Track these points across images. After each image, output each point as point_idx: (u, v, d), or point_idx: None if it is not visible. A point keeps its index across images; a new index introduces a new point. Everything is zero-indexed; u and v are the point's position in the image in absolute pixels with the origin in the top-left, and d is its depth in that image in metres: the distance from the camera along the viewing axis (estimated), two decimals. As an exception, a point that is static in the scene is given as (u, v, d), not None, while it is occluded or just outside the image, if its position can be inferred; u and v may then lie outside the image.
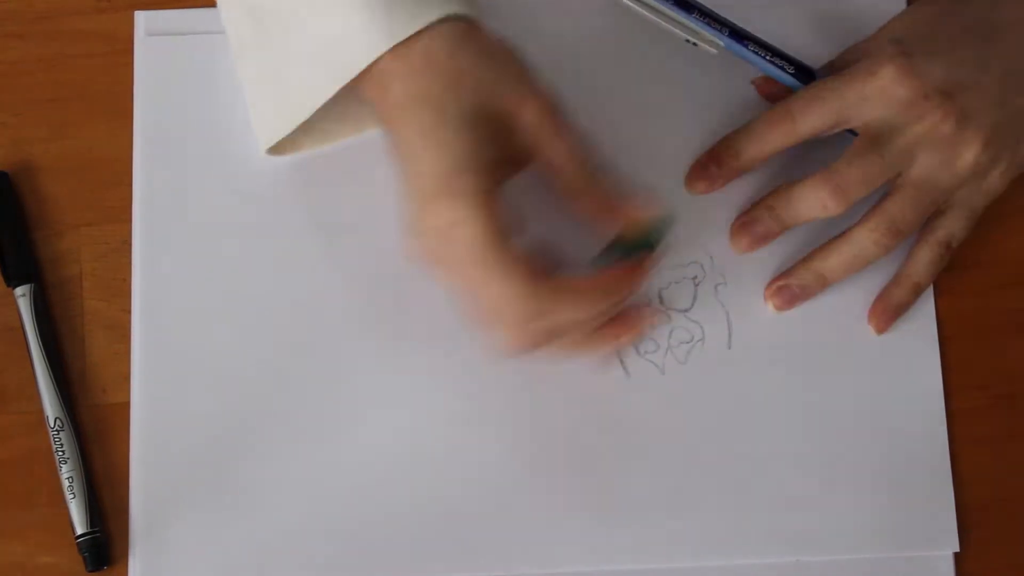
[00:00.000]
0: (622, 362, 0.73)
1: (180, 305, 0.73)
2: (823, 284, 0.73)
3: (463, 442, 0.72)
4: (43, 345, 0.72)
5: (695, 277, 0.74)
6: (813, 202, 0.72)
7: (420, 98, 0.65)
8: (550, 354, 0.68)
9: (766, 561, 0.72)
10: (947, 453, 0.73)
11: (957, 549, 0.72)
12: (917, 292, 0.74)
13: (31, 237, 0.74)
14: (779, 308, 0.74)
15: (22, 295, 0.73)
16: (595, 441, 0.72)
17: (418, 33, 0.65)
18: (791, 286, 0.74)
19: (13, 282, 0.73)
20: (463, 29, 0.66)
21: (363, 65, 0.65)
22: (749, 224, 0.74)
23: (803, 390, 0.73)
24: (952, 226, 0.73)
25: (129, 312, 0.73)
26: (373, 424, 0.72)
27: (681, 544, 0.72)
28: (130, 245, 0.74)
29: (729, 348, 0.74)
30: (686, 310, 0.74)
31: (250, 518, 0.71)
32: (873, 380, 0.73)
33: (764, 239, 0.74)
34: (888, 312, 0.74)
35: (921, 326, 0.74)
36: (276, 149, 0.72)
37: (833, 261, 0.73)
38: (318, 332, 0.73)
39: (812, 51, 0.75)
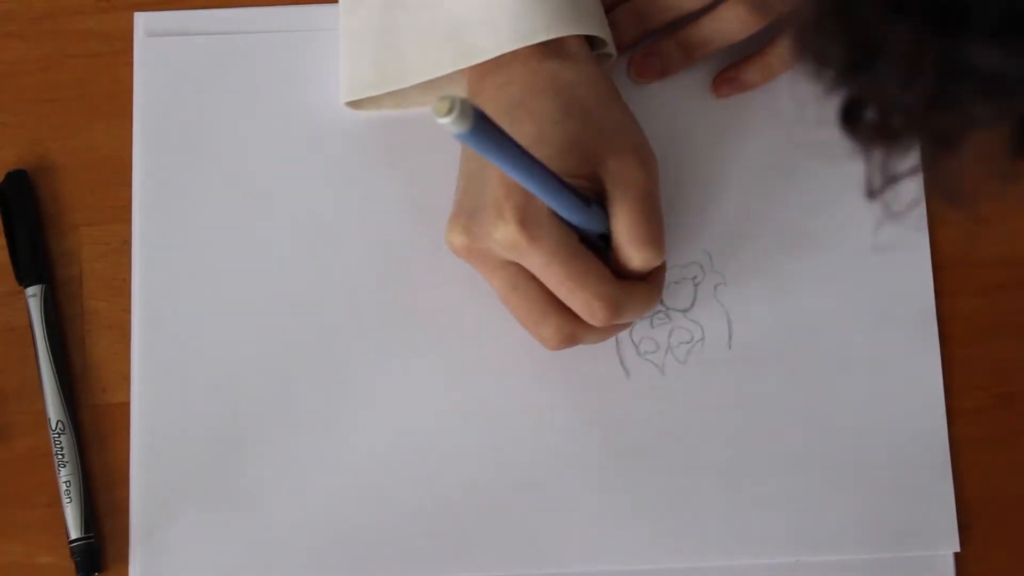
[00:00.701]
0: (622, 362, 0.73)
1: (180, 305, 0.73)
2: (686, 59, 0.75)
3: (463, 442, 0.72)
4: (50, 347, 0.72)
5: (695, 277, 0.74)
6: (731, 19, 0.73)
7: (528, 109, 0.67)
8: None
9: (766, 561, 0.72)
10: (947, 453, 0.72)
11: (957, 549, 0.72)
12: (767, 75, 0.75)
13: (45, 237, 0.74)
14: (639, 76, 0.75)
15: (33, 295, 0.73)
16: (595, 441, 0.72)
17: (552, 41, 0.68)
18: (655, 56, 0.75)
19: (26, 281, 0.73)
20: (588, 56, 0.69)
21: (493, 54, 0.67)
22: (651, 56, 0.75)
23: (803, 390, 0.73)
24: None
25: (129, 312, 0.73)
26: (373, 424, 0.72)
27: (681, 544, 0.71)
28: (130, 245, 0.74)
29: (729, 348, 0.74)
30: (686, 310, 0.74)
31: (250, 518, 0.71)
32: (873, 380, 0.73)
33: (664, 72, 0.75)
34: (732, 83, 0.75)
35: (921, 326, 0.74)
36: (356, 104, 0.72)
37: (696, 35, 0.74)
38: (318, 332, 0.73)
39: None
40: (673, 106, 0.76)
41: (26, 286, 0.73)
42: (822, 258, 0.74)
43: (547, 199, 0.62)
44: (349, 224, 0.74)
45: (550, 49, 0.69)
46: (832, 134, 0.75)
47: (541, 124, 0.67)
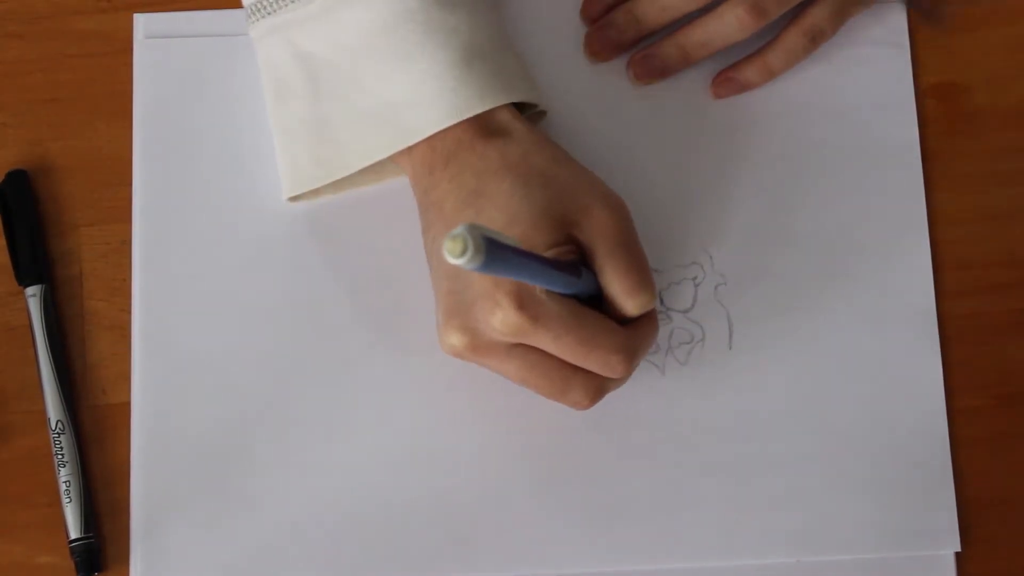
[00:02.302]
0: (622, 363, 0.73)
1: (180, 305, 0.73)
2: (685, 59, 0.75)
3: (463, 442, 0.72)
4: (50, 347, 0.72)
5: (695, 277, 0.74)
6: (730, 20, 0.73)
7: (489, 194, 0.67)
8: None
9: (766, 561, 0.72)
10: (948, 453, 0.73)
11: (958, 549, 0.72)
12: (767, 76, 0.75)
13: (45, 237, 0.74)
14: (640, 78, 0.75)
15: (33, 295, 0.73)
16: (595, 441, 0.72)
17: (488, 120, 0.68)
18: (654, 58, 0.75)
19: (26, 281, 0.73)
20: (524, 124, 0.69)
21: (430, 131, 0.67)
22: (650, 57, 0.75)
23: (803, 390, 0.73)
24: (819, 17, 0.74)
25: (129, 312, 0.73)
26: (373, 424, 0.72)
27: (681, 544, 0.71)
28: (130, 245, 0.74)
29: (729, 348, 0.74)
30: (686, 310, 0.74)
31: (250, 518, 0.71)
32: (873, 380, 0.73)
33: (663, 73, 0.75)
34: (730, 83, 0.76)
35: (921, 326, 0.74)
36: (295, 197, 0.72)
37: (695, 36, 0.74)
38: (318, 332, 0.73)
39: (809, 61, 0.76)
40: (673, 106, 0.76)
41: (26, 286, 0.73)
42: (822, 258, 0.74)
43: (545, 285, 0.62)
44: (349, 223, 0.74)
45: (489, 128, 0.68)
46: (832, 134, 0.76)
47: (506, 205, 0.66)
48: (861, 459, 0.72)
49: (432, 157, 0.68)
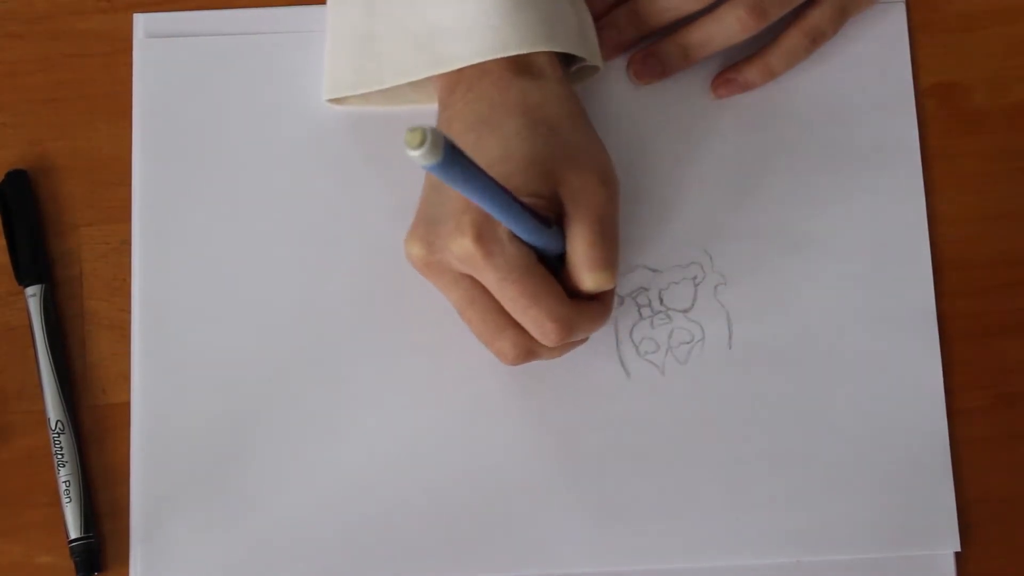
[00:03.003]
0: (622, 363, 0.73)
1: (180, 305, 0.73)
2: (685, 60, 0.75)
3: (463, 443, 0.72)
4: (50, 347, 0.72)
5: (695, 277, 0.74)
6: (731, 21, 0.73)
7: (494, 126, 0.67)
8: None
9: (766, 561, 0.72)
10: (947, 453, 0.73)
11: (958, 549, 0.72)
12: (767, 76, 0.75)
13: (45, 237, 0.74)
14: (640, 78, 0.75)
15: (33, 295, 0.73)
16: (595, 441, 0.72)
17: (523, 59, 0.68)
18: (654, 57, 0.75)
19: (26, 281, 0.73)
20: (559, 75, 0.69)
21: (466, 63, 0.68)
22: (650, 57, 0.75)
23: (803, 390, 0.73)
24: (819, 18, 0.75)
25: (129, 312, 0.73)
26: (373, 424, 0.72)
27: (681, 544, 0.71)
28: (130, 245, 0.74)
29: (729, 348, 0.74)
30: (686, 310, 0.74)
31: (250, 518, 0.71)
32: (873, 380, 0.73)
33: (663, 73, 0.75)
34: (731, 83, 0.76)
35: (921, 326, 0.74)
36: (339, 100, 0.73)
37: (696, 36, 0.74)
38: (318, 332, 0.73)
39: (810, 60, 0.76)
40: (673, 106, 0.76)
41: (26, 286, 0.73)
42: (822, 258, 0.74)
43: (507, 222, 0.62)
44: (349, 223, 0.74)
45: (521, 67, 0.69)
46: (832, 134, 0.76)
47: (506, 141, 0.67)
48: (861, 459, 0.72)
49: (457, 78, 0.69)
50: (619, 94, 0.76)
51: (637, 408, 0.73)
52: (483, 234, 0.64)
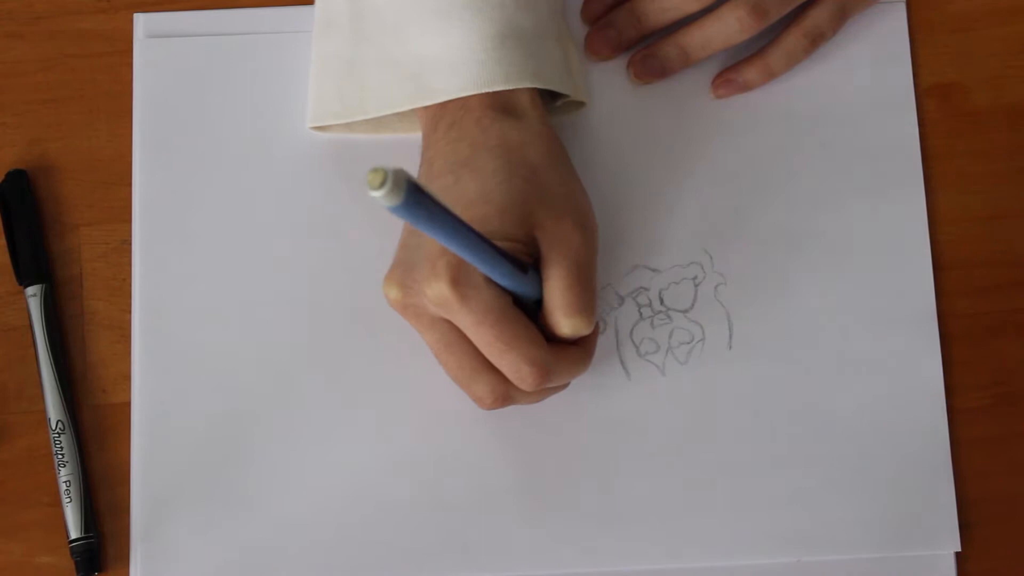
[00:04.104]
0: (623, 363, 0.73)
1: (180, 305, 0.73)
2: (685, 60, 0.75)
3: (463, 443, 0.72)
4: (50, 347, 0.72)
5: (695, 277, 0.74)
6: (731, 21, 0.73)
7: (474, 167, 0.67)
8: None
9: (766, 561, 0.72)
10: (948, 453, 0.72)
11: (959, 548, 0.72)
12: (767, 76, 0.75)
13: (45, 237, 0.74)
14: (640, 78, 0.76)
15: (33, 295, 0.73)
16: (595, 441, 0.72)
17: (507, 99, 0.68)
18: (654, 58, 0.75)
19: (26, 281, 0.73)
20: (541, 116, 0.69)
21: (449, 96, 0.68)
22: (650, 57, 0.75)
23: (803, 390, 0.73)
24: (819, 18, 0.75)
25: (129, 312, 0.73)
26: (373, 424, 0.72)
27: (681, 544, 0.71)
28: (130, 245, 0.74)
29: (729, 348, 0.74)
30: (686, 310, 0.74)
31: (250, 518, 0.71)
32: (873, 380, 0.73)
33: (663, 73, 0.75)
34: (731, 84, 0.76)
35: (922, 326, 0.74)
36: (323, 128, 0.73)
37: (697, 36, 0.74)
38: (318, 332, 0.73)
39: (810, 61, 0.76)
40: (673, 106, 0.76)
41: (26, 286, 0.73)
42: (822, 258, 0.74)
43: (480, 266, 0.61)
44: (349, 223, 0.74)
45: (503, 106, 0.68)
46: (832, 134, 0.76)
47: (484, 182, 0.66)
48: (861, 459, 0.72)
49: (440, 112, 0.69)
50: (619, 94, 0.76)
51: (637, 408, 0.73)
52: (458, 278, 0.64)
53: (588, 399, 0.73)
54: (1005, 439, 0.73)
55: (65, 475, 0.71)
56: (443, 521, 0.71)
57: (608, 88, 0.76)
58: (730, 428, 0.73)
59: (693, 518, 0.72)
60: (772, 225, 0.75)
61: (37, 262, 0.73)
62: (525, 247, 0.66)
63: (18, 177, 0.74)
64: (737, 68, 0.75)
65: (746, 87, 0.75)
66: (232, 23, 0.76)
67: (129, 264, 0.74)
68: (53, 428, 0.71)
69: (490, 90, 0.68)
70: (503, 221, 0.65)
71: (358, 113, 0.71)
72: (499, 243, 0.63)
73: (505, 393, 0.67)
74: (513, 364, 0.65)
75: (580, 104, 0.74)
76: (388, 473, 0.72)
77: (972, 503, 0.72)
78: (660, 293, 0.74)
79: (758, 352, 0.73)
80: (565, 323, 0.66)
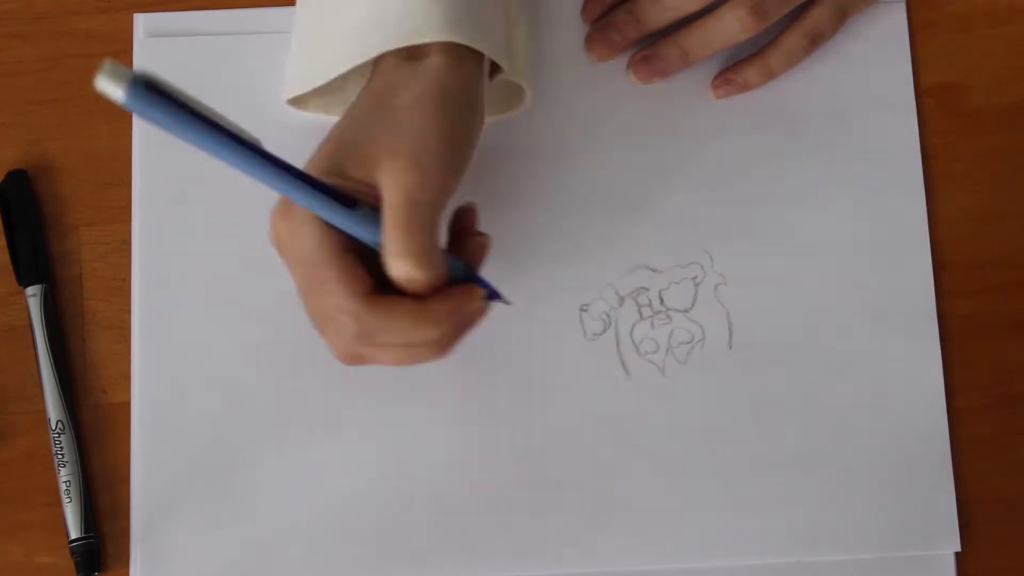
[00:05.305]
0: (622, 362, 0.73)
1: (180, 305, 0.73)
2: (685, 60, 0.75)
3: (463, 442, 0.72)
4: (50, 347, 0.72)
5: (695, 277, 0.74)
6: (731, 21, 0.73)
7: (351, 106, 0.66)
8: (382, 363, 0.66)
9: (766, 561, 0.72)
10: (948, 453, 0.73)
11: (959, 548, 0.72)
12: (767, 76, 0.76)
13: (45, 237, 0.74)
14: (641, 78, 0.76)
15: (33, 295, 0.73)
16: (595, 441, 0.72)
17: (419, 48, 0.66)
18: (655, 58, 0.75)
19: (25, 281, 0.73)
20: (442, 64, 0.65)
21: (375, 52, 0.66)
22: (650, 58, 0.75)
23: (803, 390, 0.73)
24: (819, 18, 0.75)
25: (129, 312, 0.73)
26: (373, 424, 0.72)
27: (681, 544, 0.71)
28: (130, 245, 0.74)
29: (729, 348, 0.74)
30: (686, 310, 0.74)
31: (250, 518, 0.71)
32: (873, 380, 0.73)
33: (663, 72, 0.75)
34: (731, 84, 0.76)
35: (922, 326, 0.74)
36: (300, 104, 0.72)
37: (696, 36, 0.74)
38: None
39: (809, 60, 0.76)
40: (673, 106, 0.76)
41: (26, 286, 0.73)
42: (822, 258, 0.74)
43: (278, 189, 0.59)
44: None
45: (409, 54, 0.66)
46: (832, 134, 0.76)
47: (341, 121, 0.65)
48: (861, 459, 0.72)
49: (372, 70, 0.68)
50: (619, 94, 0.76)
51: (637, 408, 0.73)
52: (285, 211, 0.62)
53: (588, 399, 0.73)
54: (1005, 439, 0.73)
55: (65, 475, 0.71)
56: (443, 521, 0.71)
57: (608, 88, 0.76)
58: (730, 428, 0.73)
59: (693, 518, 0.72)
60: (772, 225, 0.75)
61: (37, 262, 0.73)
62: (369, 188, 0.63)
63: (18, 177, 0.74)
64: (737, 68, 0.75)
65: (746, 87, 0.75)
66: (232, 23, 0.76)
67: (129, 264, 0.74)
68: (53, 428, 0.71)
69: (407, 44, 0.66)
70: (339, 157, 0.63)
71: (312, 82, 0.70)
72: (332, 180, 0.62)
73: (352, 350, 0.64)
74: (324, 312, 0.63)
75: (521, 93, 0.72)
76: (388, 473, 0.72)
77: (972, 503, 0.72)
78: (660, 293, 0.74)
79: (758, 352, 0.73)
80: (394, 266, 0.62)
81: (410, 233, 0.62)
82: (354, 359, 0.65)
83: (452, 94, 0.65)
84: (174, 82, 0.51)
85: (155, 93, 0.50)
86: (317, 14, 0.71)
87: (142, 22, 0.76)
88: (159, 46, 0.76)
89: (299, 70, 0.72)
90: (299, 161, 0.63)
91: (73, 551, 0.71)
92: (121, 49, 0.76)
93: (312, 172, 0.61)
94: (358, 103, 0.66)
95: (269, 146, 0.74)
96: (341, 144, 0.64)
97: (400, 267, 0.62)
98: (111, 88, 0.50)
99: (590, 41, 0.76)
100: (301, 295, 0.65)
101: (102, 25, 0.76)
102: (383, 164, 0.63)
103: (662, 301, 0.74)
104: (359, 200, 0.62)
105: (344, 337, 0.63)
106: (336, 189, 0.61)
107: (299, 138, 0.74)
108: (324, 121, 0.74)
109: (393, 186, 0.62)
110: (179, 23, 0.76)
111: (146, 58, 0.75)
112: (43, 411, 0.72)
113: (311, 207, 0.61)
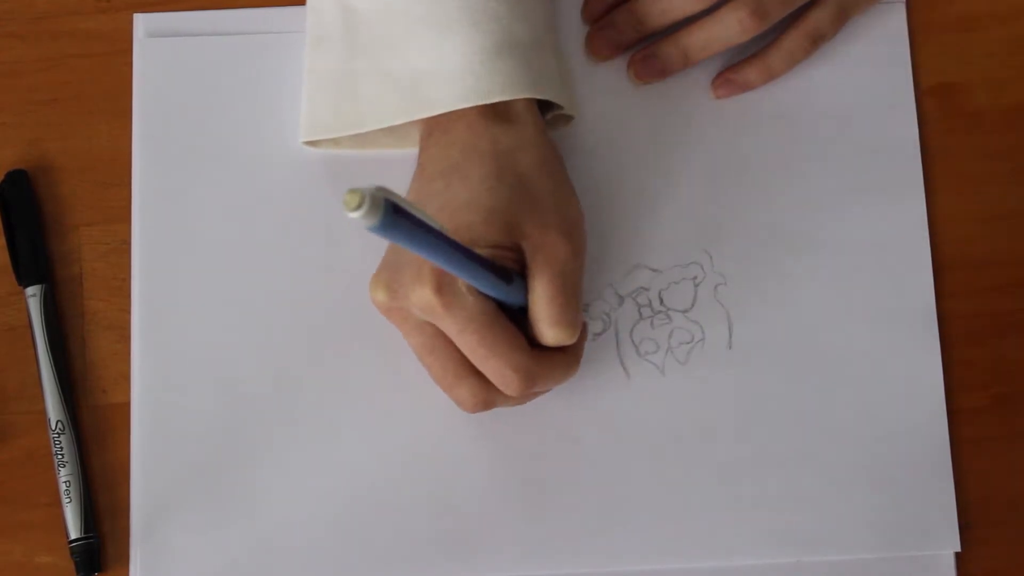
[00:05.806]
0: (623, 363, 0.73)
1: (180, 305, 0.73)
2: (685, 60, 0.75)
3: (463, 443, 0.72)
4: (50, 347, 0.72)
5: (695, 277, 0.74)
6: (732, 22, 0.73)
7: (463, 173, 0.67)
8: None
9: (766, 561, 0.72)
10: (947, 453, 0.72)
11: (958, 549, 0.72)
12: (767, 76, 0.76)
13: (45, 237, 0.74)
14: (641, 78, 0.76)
15: (33, 295, 0.73)
16: (595, 441, 0.72)
17: (500, 105, 0.68)
18: (655, 58, 0.75)
19: (25, 281, 0.73)
20: (535, 123, 0.69)
21: (445, 108, 0.68)
22: (651, 58, 0.75)
23: (803, 390, 0.73)
24: (820, 19, 0.75)
25: (129, 312, 0.73)
26: (373, 424, 0.72)
27: (681, 544, 0.71)
28: (130, 245, 0.74)
29: (729, 348, 0.74)
30: (686, 310, 0.74)
31: (250, 518, 0.71)
32: (873, 380, 0.73)
33: (663, 73, 0.75)
34: (731, 84, 0.76)
35: (922, 326, 0.74)
36: (314, 143, 0.73)
37: (697, 37, 0.74)
38: (318, 332, 0.73)
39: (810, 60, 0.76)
40: (673, 106, 0.76)
41: (26, 286, 0.73)
42: (822, 258, 0.74)
43: (463, 277, 0.62)
44: (349, 223, 0.73)
45: (497, 113, 0.69)
46: (832, 134, 0.76)
47: (472, 189, 0.67)
48: (861, 459, 0.72)
49: (435, 123, 0.69)
50: (619, 94, 0.76)
51: (637, 408, 0.73)
52: (442, 285, 0.64)
53: (588, 399, 0.73)
54: (1005, 439, 0.73)
55: (65, 475, 0.71)
56: (443, 521, 0.71)
57: (608, 88, 0.76)
58: (730, 428, 0.73)
59: (693, 518, 0.72)
60: (772, 225, 0.75)
61: (37, 262, 0.73)
62: (512, 254, 0.66)
63: (18, 177, 0.74)
64: (737, 68, 0.75)
65: (746, 87, 0.76)
66: (232, 23, 0.76)
67: (129, 264, 0.74)
68: (53, 428, 0.71)
69: (486, 102, 0.68)
70: (488, 228, 0.65)
71: (354, 126, 0.71)
72: (483, 250, 0.64)
73: (486, 398, 0.68)
74: (496, 369, 0.66)
75: (569, 118, 0.74)
76: (388, 473, 0.72)
77: (972, 503, 0.72)
78: (660, 293, 0.74)
79: (758, 352, 0.73)
80: (549, 333, 0.66)
81: (565, 305, 0.66)
82: (487, 406, 0.68)
83: (559, 155, 0.70)
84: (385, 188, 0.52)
85: (400, 216, 0.52)
86: (359, 56, 0.71)
87: (142, 22, 0.76)
88: (159, 46, 0.76)
89: (334, 111, 0.71)
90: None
91: (73, 551, 0.71)
92: (121, 49, 0.76)
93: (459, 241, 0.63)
94: (472, 166, 0.67)
95: (271, 148, 0.74)
96: (484, 215, 0.66)
97: (555, 334, 0.66)
98: (367, 218, 0.50)
99: (590, 41, 0.76)
100: (430, 356, 0.68)
101: (102, 25, 0.76)
102: (531, 236, 0.66)
103: (662, 301, 0.74)
104: (512, 272, 0.65)
105: (521, 392, 0.67)
106: (496, 265, 0.64)
107: (296, 138, 0.74)
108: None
109: (546, 260, 0.66)
110: (179, 23, 0.76)
111: (146, 58, 0.75)
112: (43, 411, 0.72)
113: (480, 284, 0.63)
